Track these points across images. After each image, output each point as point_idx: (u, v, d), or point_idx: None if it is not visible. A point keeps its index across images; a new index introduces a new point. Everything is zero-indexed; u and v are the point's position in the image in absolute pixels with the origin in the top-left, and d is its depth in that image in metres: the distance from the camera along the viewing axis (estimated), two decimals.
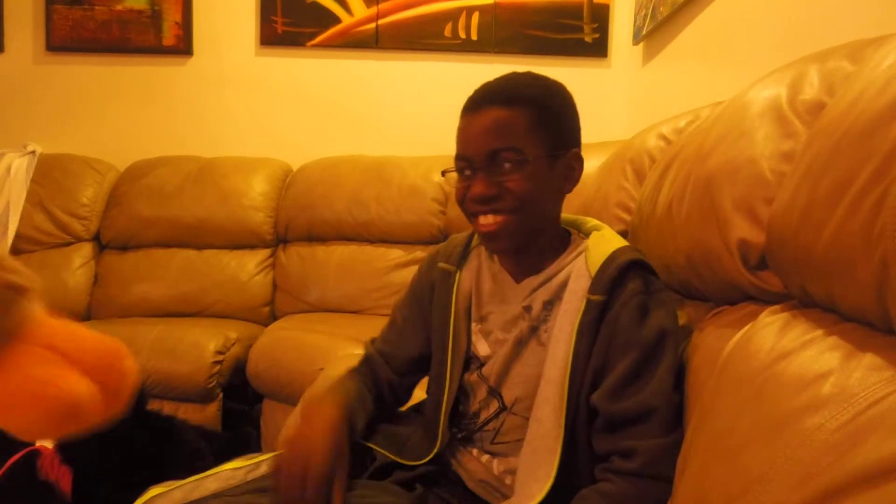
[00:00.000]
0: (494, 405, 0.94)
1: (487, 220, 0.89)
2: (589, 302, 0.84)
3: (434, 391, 0.99)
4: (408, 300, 1.08)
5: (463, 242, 1.03)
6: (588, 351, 0.84)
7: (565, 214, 0.98)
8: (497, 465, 0.93)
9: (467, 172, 0.90)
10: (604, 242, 0.90)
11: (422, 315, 1.04)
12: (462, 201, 0.91)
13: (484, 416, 0.95)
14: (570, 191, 0.94)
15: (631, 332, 0.82)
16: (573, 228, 0.99)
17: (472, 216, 0.91)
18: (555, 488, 0.81)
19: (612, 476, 0.79)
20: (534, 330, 0.91)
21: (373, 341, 1.09)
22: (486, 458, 0.95)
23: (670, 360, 0.82)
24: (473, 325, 0.98)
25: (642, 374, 0.81)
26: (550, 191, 0.91)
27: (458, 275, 1.00)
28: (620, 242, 0.91)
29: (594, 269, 0.86)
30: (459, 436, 0.98)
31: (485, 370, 0.95)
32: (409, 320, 1.06)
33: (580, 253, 0.91)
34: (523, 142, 0.86)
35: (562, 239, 0.96)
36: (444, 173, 0.94)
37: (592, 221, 0.99)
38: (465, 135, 0.90)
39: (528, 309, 0.92)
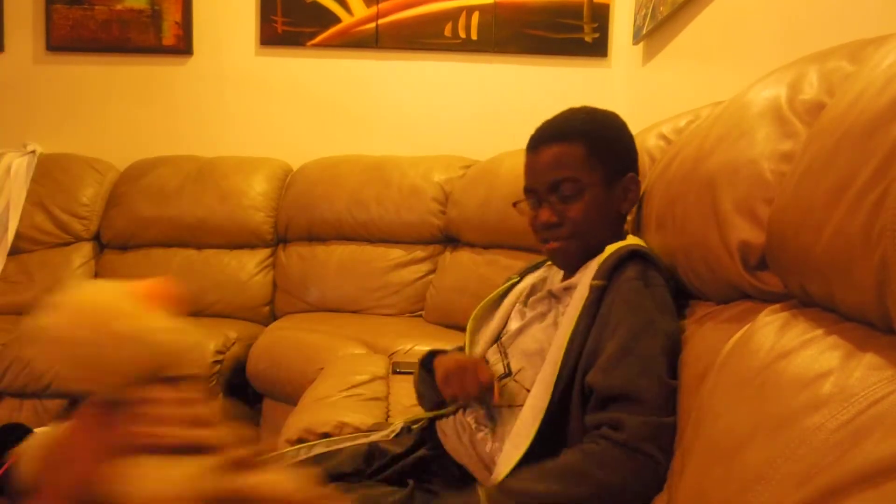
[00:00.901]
0: (500, 370, 1.01)
1: (554, 245, 1.03)
2: (592, 287, 0.91)
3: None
4: None
5: (536, 262, 1.20)
6: (586, 332, 0.89)
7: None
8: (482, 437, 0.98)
9: (534, 202, 1.04)
10: (621, 243, 0.98)
11: None
12: (533, 228, 1.06)
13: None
14: (628, 211, 1.07)
15: (621, 314, 0.87)
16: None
17: (542, 241, 1.06)
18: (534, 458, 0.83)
19: (599, 440, 0.81)
20: (549, 310, 1.01)
21: None
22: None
23: (660, 344, 0.85)
24: (517, 307, 1.10)
25: (630, 353, 0.84)
26: (609, 213, 1.04)
27: (517, 280, 1.17)
28: (635, 242, 0.98)
29: (603, 258, 0.95)
30: None
31: (505, 339, 1.05)
32: None
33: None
34: (580, 171, 1.00)
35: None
36: (515, 204, 1.10)
37: (630, 235, 1.07)
38: (530, 170, 1.06)
39: (550, 293, 1.03)
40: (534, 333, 1.00)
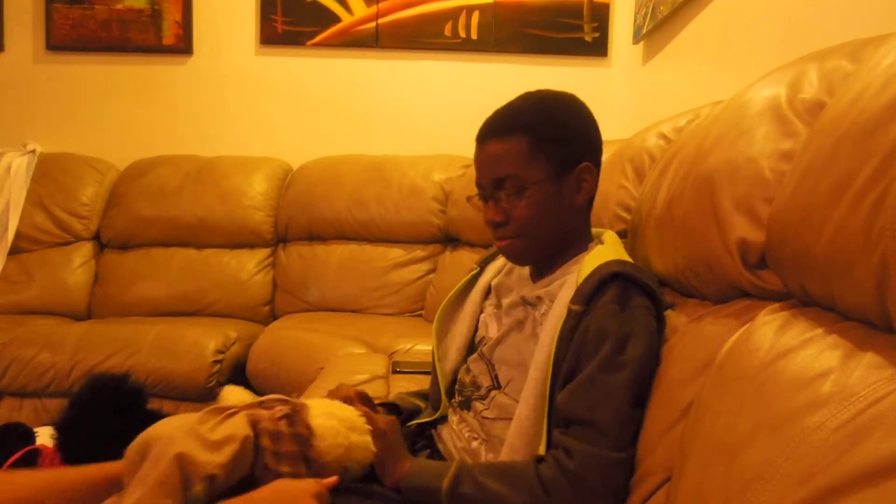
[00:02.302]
0: (488, 382, 1.00)
1: (502, 244, 1.00)
2: (569, 311, 0.89)
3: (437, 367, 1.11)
4: None
5: (494, 249, 1.14)
6: (564, 356, 0.88)
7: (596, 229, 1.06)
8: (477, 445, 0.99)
9: (483, 198, 1.01)
10: (600, 255, 0.94)
11: None
12: (486, 224, 1.02)
13: (476, 390, 1.02)
14: (584, 202, 1.00)
15: (593, 343, 0.86)
16: (596, 239, 1.04)
17: (494, 237, 1.02)
18: None
19: (552, 463, 0.83)
20: (526, 318, 0.98)
21: None
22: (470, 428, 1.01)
23: (626, 376, 0.84)
24: (489, 308, 1.07)
25: (594, 383, 0.84)
26: (559, 208, 0.98)
27: (477, 271, 1.14)
28: (615, 255, 0.94)
29: (581, 279, 0.91)
30: (457, 402, 1.06)
31: (485, 349, 1.03)
32: None
33: (585, 255, 0.97)
34: (522, 168, 0.95)
35: (582, 244, 1.02)
36: (469, 199, 1.06)
37: (607, 233, 1.05)
38: (476, 165, 1.02)
39: (524, 299, 1.00)
40: (514, 343, 0.99)
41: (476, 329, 1.09)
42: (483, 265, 1.15)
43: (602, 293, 0.88)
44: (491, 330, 1.05)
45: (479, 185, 1.01)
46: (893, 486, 0.42)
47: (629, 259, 0.97)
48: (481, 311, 1.10)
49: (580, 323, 0.87)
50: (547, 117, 0.98)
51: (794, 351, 0.60)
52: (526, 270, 1.05)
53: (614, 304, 0.87)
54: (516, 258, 1.03)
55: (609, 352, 0.85)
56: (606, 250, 0.96)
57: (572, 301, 0.89)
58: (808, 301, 0.66)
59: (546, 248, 0.99)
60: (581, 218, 1.03)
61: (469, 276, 1.15)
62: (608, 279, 0.88)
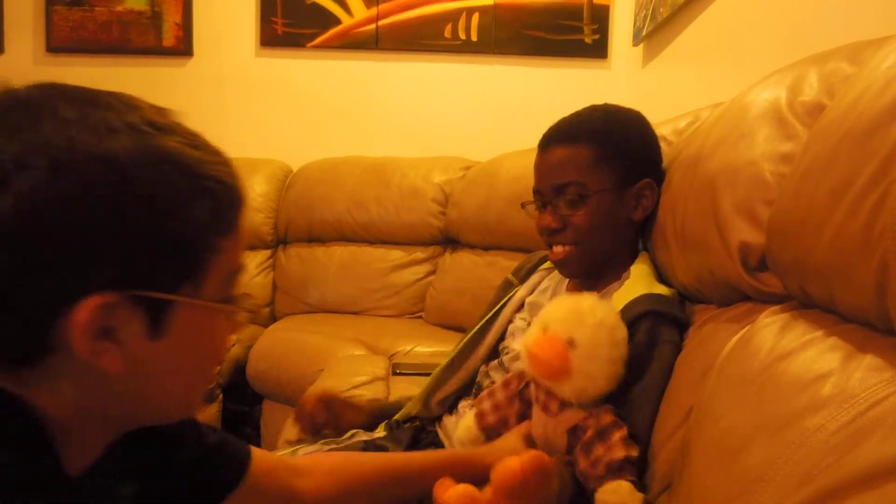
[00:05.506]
0: None
1: (556, 250, 0.99)
2: None
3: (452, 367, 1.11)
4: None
5: (534, 261, 1.15)
6: None
7: None
8: None
9: (540, 204, 1.01)
10: (633, 286, 0.94)
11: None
12: (539, 231, 1.02)
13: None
14: (641, 218, 1.00)
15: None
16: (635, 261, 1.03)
17: (546, 245, 1.02)
18: None
19: None
20: None
21: None
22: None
23: (646, 415, 0.84)
24: (519, 321, 1.07)
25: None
26: (617, 221, 0.99)
27: (517, 287, 1.12)
28: (646, 288, 0.92)
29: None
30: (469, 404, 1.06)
31: (506, 359, 1.03)
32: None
33: (616, 290, 0.96)
34: (587, 176, 0.95)
35: (622, 266, 1.01)
36: (523, 205, 1.05)
37: (641, 259, 1.02)
38: (537, 170, 1.01)
39: None
40: None
41: (503, 337, 1.10)
42: (522, 279, 1.14)
43: (632, 333, 0.86)
44: (517, 343, 1.05)
45: (537, 190, 1.02)
46: (893, 489, 0.42)
47: (657, 287, 0.95)
48: (510, 321, 1.10)
49: None
50: (613, 129, 1.00)
51: (795, 353, 0.60)
52: (562, 290, 1.05)
53: (643, 347, 0.86)
54: (568, 267, 1.02)
55: (632, 398, 0.85)
56: (635, 283, 0.95)
57: None
58: (808, 303, 0.66)
59: (597, 261, 0.99)
60: (633, 233, 1.03)
61: (510, 294, 1.13)
62: (637, 319, 0.87)
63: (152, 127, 0.47)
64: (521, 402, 0.92)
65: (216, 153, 0.52)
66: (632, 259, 1.02)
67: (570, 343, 0.80)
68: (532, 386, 0.89)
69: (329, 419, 1.10)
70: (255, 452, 0.71)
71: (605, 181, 0.96)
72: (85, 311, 0.43)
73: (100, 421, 0.50)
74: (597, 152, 0.96)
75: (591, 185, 0.95)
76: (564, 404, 0.83)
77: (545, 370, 0.82)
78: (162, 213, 0.45)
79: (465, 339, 1.13)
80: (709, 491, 0.60)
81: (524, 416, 0.91)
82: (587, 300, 0.85)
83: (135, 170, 0.44)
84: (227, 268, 0.51)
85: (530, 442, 0.87)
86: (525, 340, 0.85)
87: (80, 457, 0.49)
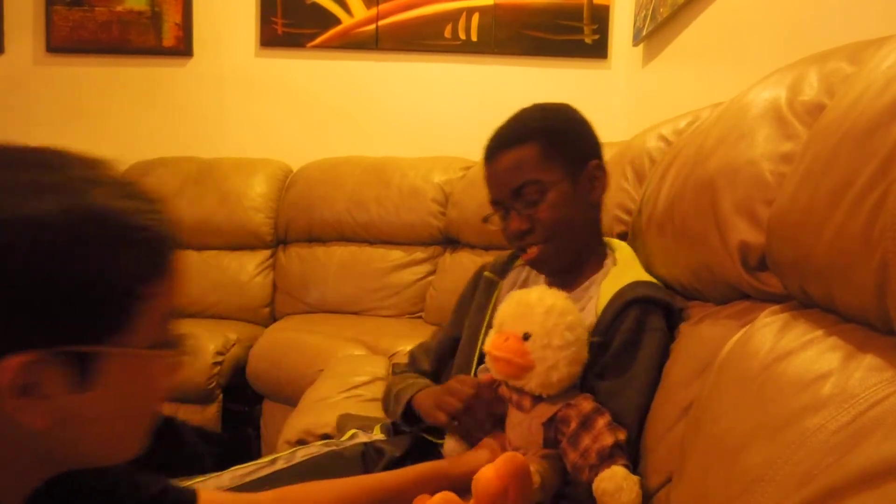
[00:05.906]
0: None
1: (531, 251, 1.00)
2: (590, 344, 0.89)
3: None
4: (455, 306, 1.22)
5: (508, 257, 1.15)
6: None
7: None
8: None
9: (503, 213, 1.01)
10: (617, 278, 0.97)
11: (461, 315, 1.17)
12: (508, 239, 1.02)
13: None
14: (599, 198, 1.03)
15: (610, 368, 0.90)
16: (610, 253, 1.06)
17: (519, 251, 1.03)
18: None
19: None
20: None
21: (419, 345, 1.25)
22: None
23: (633, 401, 0.88)
24: None
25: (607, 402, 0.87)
26: (580, 207, 1.01)
27: (500, 284, 1.12)
28: (633, 276, 0.96)
29: (600, 308, 0.93)
30: None
31: None
32: (451, 322, 1.21)
33: (602, 280, 0.99)
34: (540, 172, 0.97)
35: (599, 254, 1.04)
36: (485, 219, 1.05)
37: (619, 248, 1.05)
38: (491, 180, 1.02)
39: None
40: None
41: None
42: (500, 275, 1.14)
43: (621, 321, 0.90)
44: None
45: (495, 201, 1.03)
46: (893, 488, 0.42)
47: (644, 274, 0.98)
48: None
49: (601, 351, 0.90)
50: (552, 122, 1.03)
51: (795, 353, 0.60)
52: (541, 281, 1.06)
53: (631, 333, 0.90)
54: (546, 265, 1.03)
55: (623, 380, 0.89)
56: (622, 271, 0.99)
57: (592, 333, 0.91)
58: (808, 303, 0.66)
59: (571, 251, 1.01)
60: (596, 216, 1.05)
61: (496, 294, 1.12)
62: (625, 307, 0.91)
63: (82, 182, 0.47)
64: (500, 404, 0.92)
65: (148, 200, 0.51)
66: (600, 241, 1.06)
67: (526, 337, 0.82)
68: (504, 387, 0.90)
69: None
70: (203, 496, 0.68)
71: (558, 172, 0.98)
72: (7, 371, 0.42)
73: (25, 466, 0.49)
74: (543, 147, 0.98)
75: (546, 180, 0.97)
76: (537, 399, 0.85)
77: (509, 370, 0.84)
78: (81, 271, 0.45)
79: (462, 345, 1.13)
80: (708, 491, 0.60)
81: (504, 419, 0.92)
82: (535, 291, 0.88)
83: (53, 230, 0.44)
84: (161, 312, 0.50)
85: (503, 448, 0.88)
86: (486, 346, 0.87)
87: None
